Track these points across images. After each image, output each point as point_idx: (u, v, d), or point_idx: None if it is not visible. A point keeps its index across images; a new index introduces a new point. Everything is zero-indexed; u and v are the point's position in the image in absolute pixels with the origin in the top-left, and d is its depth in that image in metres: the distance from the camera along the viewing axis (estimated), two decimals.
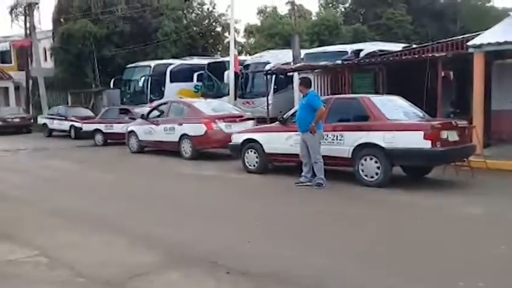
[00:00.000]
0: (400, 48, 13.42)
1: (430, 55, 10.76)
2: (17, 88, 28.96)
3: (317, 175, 7.65)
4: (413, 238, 5.06)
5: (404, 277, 3.96)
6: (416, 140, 7.12)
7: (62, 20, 26.21)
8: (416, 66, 10.97)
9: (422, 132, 7.13)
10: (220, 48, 28.94)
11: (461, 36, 11.56)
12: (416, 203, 6.64)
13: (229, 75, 16.65)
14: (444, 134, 7.24)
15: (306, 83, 8.02)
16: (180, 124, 12.09)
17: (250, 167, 9.36)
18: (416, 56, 11.31)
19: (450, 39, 11.82)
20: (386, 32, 28.96)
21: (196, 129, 11.63)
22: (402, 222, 5.76)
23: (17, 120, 23.81)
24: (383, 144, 7.37)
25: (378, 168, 7.45)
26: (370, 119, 7.71)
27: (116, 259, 4.59)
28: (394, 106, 8.14)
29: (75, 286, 3.98)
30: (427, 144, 7.07)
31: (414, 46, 13.30)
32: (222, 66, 17.85)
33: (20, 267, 4.45)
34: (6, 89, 29.06)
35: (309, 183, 7.76)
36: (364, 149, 7.60)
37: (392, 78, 11.66)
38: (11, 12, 26.81)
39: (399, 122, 7.65)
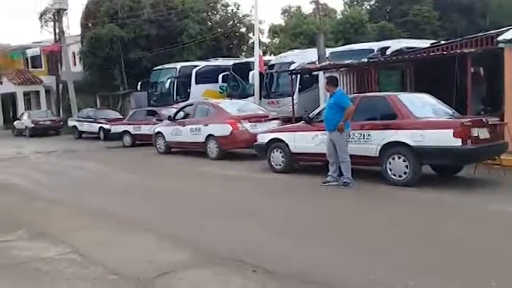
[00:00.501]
0: (427, 45, 13.19)
1: (458, 51, 10.54)
2: (47, 92, 29.82)
3: (344, 174, 7.60)
4: (444, 237, 4.97)
5: (434, 276, 3.89)
6: (445, 138, 6.98)
7: (89, 24, 26.80)
8: (445, 63, 10.74)
9: (452, 130, 6.97)
10: (244, 49, 29.07)
11: (491, 31, 11.26)
12: (446, 201, 6.51)
13: (254, 76, 16.70)
14: (475, 132, 7.07)
15: (332, 82, 7.96)
16: (206, 125, 12.19)
17: (276, 167, 9.36)
18: (445, 53, 11.09)
19: (479, 34, 11.54)
20: (413, 28, 28.46)
21: (222, 129, 11.71)
22: (431, 221, 5.65)
23: (48, 122, 24.60)
24: (411, 143, 7.25)
25: (407, 167, 7.33)
26: (397, 117, 7.59)
27: (145, 257, 4.66)
28: (422, 104, 8.01)
29: (108, 283, 4.07)
30: (457, 142, 6.91)
31: (442, 42, 13.04)
32: (247, 67, 17.92)
33: (55, 265, 4.57)
34: (38, 92, 30.00)
35: (335, 183, 7.71)
36: (392, 148, 7.49)
37: (420, 76, 11.46)
38: (40, 18, 27.58)
39: (428, 119, 7.52)
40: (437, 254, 4.44)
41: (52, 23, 27.44)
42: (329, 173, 7.85)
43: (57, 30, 26.79)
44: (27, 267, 4.53)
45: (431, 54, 11.50)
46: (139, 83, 22.45)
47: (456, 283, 3.76)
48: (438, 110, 7.98)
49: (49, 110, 27.60)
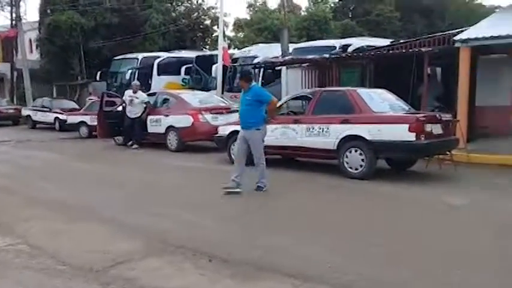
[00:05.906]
0: (388, 44, 13.48)
1: (417, 50, 10.83)
2: (1, 80, 28.62)
3: (259, 178, 6.90)
4: (397, 228, 5.11)
5: (386, 264, 4.00)
6: (401, 133, 7.18)
7: (48, 11, 25.87)
8: (404, 61, 11.02)
9: (407, 125, 7.18)
10: (208, 42, 28.83)
11: (448, 32, 11.63)
12: (400, 194, 6.69)
13: (217, 69, 16.58)
14: (428, 127, 7.30)
15: (247, 77, 7.10)
16: (167, 116, 12.02)
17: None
18: (404, 51, 11.37)
19: (437, 34, 11.89)
20: (375, 28, 29.08)
21: (183, 121, 11.56)
22: (384, 212, 5.79)
23: (12, 111, 23.35)
24: (368, 137, 7.42)
25: (363, 160, 7.50)
26: (356, 112, 7.74)
27: (97, 247, 4.55)
28: (380, 99, 8.19)
29: (57, 273, 3.94)
30: (411, 137, 7.12)
31: (402, 41, 13.35)
32: (210, 60, 17.76)
33: (2, 255, 4.40)
34: None
35: (238, 189, 6.72)
36: (350, 141, 7.64)
37: (379, 73, 11.70)
38: None
39: (384, 114, 7.70)
40: (388, 243, 4.55)
41: (9, 8, 26.41)
42: (233, 177, 6.79)
43: (13, 16, 25.75)
44: None
45: (391, 52, 11.77)
46: (99, 73, 21.83)
47: (413, 273, 3.87)
48: (395, 106, 8.19)
49: (3, 98, 26.44)
